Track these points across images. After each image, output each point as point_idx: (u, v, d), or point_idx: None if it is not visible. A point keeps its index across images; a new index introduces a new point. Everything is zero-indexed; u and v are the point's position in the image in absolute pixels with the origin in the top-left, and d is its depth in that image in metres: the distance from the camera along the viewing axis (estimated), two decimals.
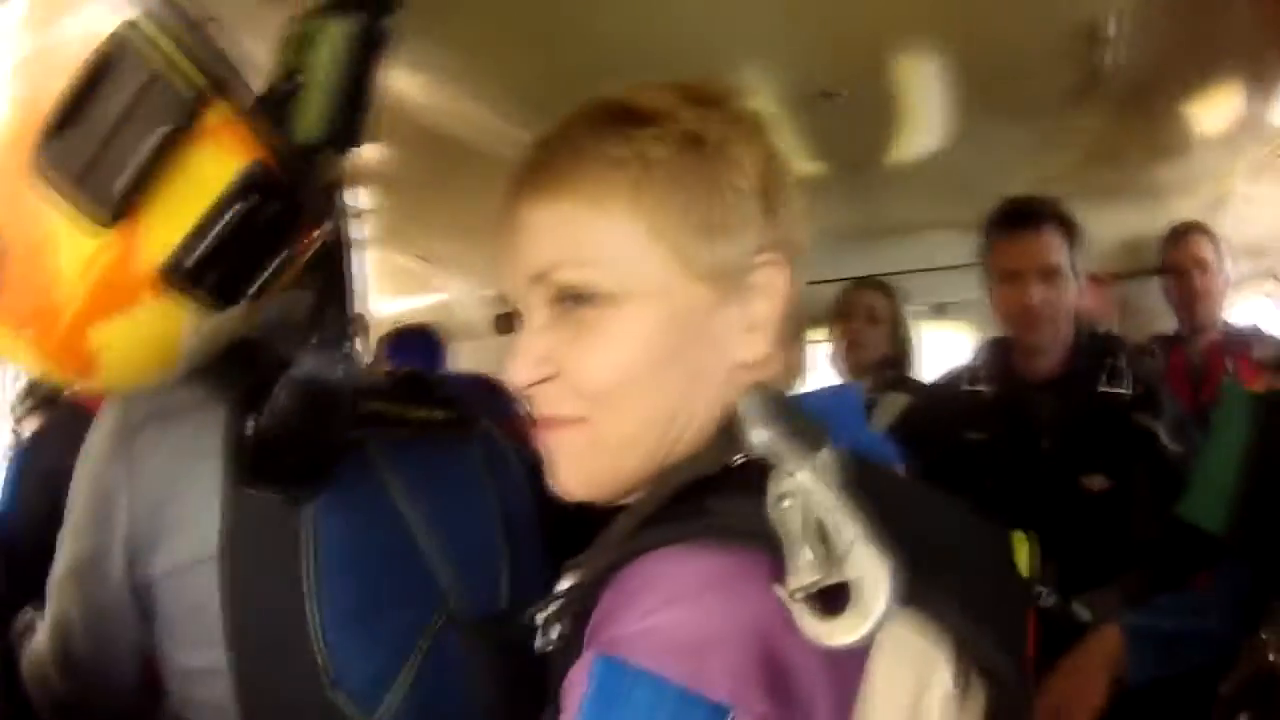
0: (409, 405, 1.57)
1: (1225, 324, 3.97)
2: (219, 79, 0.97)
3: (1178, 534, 2.01)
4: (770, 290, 0.93)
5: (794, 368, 0.99)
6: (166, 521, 1.39)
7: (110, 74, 0.93)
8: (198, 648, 1.40)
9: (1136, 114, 3.51)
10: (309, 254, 1.15)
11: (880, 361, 3.86)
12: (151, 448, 1.41)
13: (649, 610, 0.74)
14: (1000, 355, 2.77)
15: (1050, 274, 2.56)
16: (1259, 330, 3.95)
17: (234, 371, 1.27)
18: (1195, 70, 3.27)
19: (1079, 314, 2.68)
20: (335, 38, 1.15)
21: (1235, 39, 2.83)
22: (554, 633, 0.90)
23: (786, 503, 0.74)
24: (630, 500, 0.91)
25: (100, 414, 1.48)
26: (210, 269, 1.00)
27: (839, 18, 2.74)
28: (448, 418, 1.61)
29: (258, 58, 1.21)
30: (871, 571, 0.70)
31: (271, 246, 1.05)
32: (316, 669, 1.37)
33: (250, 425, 1.24)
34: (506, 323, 5.33)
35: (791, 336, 0.97)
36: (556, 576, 0.93)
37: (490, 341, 5.42)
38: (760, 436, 0.78)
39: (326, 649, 1.37)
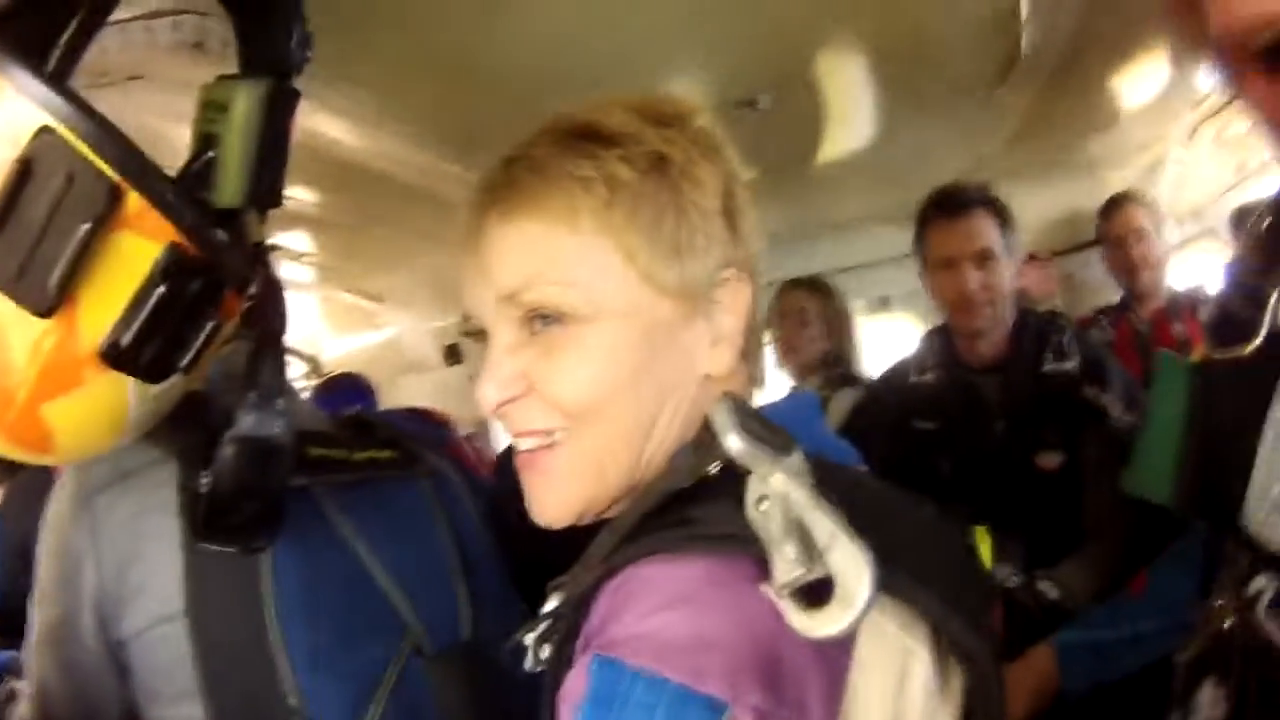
0: (353, 448, 1.59)
1: (1170, 289, 3.99)
2: (132, 168, 1.02)
3: (1132, 505, 2.03)
4: (734, 305, 0.96)
5: (755, 378, 1.03)
6: (132, 583, 1.41)
7: (31, 179, 0.98)
8: (174, 702, 1.41)
9: (1062, 90, 3.53)
10: (237, 318, 1.19)
11: (821, 360, 3.82)
12: (111, 510, 1.42)
13: (645, 613, 0.76)
14: (944, 343, 2.78)
15: (984, 258, 2.57)
16: (1204, 292, 3.92)
17: (183, 428, 1.30)
18: (1116, 42, 3.29)
19: (1019, 294, 2.70)
20: (245, 103, 1.19)
21: (1153, 6, 2.86)
22: (544, 653, 0.91)
23: (764, 505, 0.76)
24: (610, 515, 0.93)
25: (60, 479, 1.49)
26: (145, 345, 1.06)
27: (751, 23, 2.74)
28: (392, 457, 1.64)
29: (186, 112, 1.23)
30: (852, 563, 0.72)
31: (199, 319, 1.10)
32: (290, 711, 1.39)
33: (203, 482, 1.25)
34: (455, 354, 5.35)
35: (752, 348, 1.00)
36: (518, 602, 0.94)
37: (441, 374, 5.42)
38: (735, 444, 0.79)
39: (298, 690, 1.39)
